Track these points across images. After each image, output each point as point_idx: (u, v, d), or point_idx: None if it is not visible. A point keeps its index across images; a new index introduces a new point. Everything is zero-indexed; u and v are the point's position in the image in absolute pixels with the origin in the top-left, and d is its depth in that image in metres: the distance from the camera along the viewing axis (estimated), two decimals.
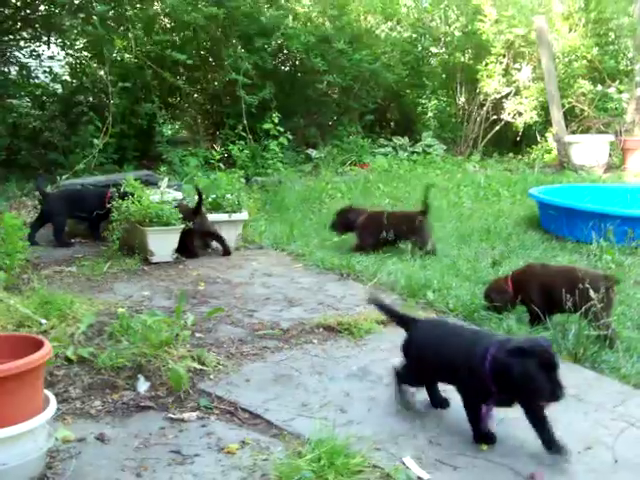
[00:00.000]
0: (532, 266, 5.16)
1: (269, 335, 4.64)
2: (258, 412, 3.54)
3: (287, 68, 14.38)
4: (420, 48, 16.15)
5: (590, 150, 13.03)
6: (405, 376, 3.60)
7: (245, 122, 11.76)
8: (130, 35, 11.48)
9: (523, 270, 5.07)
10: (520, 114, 14.74)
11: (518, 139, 15.53)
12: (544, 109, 14.55)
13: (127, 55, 11.88)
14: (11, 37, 11.67)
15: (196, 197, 7.12)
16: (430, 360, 3.46)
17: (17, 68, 11.85)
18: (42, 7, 11.41)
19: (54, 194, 7.80)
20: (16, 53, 11.87)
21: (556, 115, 13.47)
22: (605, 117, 14.56)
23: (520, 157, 14.62)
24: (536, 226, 7.89)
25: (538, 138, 14.99)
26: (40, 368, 2.95)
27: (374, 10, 14.98)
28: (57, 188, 8.49)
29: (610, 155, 13.41)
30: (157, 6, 12.38)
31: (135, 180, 7.15)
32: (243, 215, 7.44)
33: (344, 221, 7.21)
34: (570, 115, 14.72)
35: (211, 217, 7.20)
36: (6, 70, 11.75)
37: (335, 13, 13.84)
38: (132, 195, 6.81)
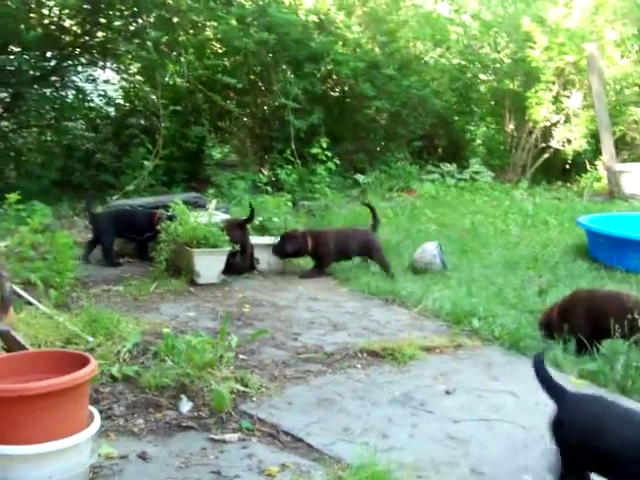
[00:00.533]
0: (578, 292, 5.10)
1: (312, 359, 4.65)
2: (299, 435, 3.54)
3: (336, 93, 14.44)
4: (469, 75, 16.11)
5: None
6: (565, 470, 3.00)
7: (293, 146, 11.83)
8: (182, 60, 11.68)
9: (570, 297, 5.00)
10: (570, 142, 14.59)
11: (567, 167, 15.37)
12: (594, 137, 14.39)
13: (179, 79, 12.08)
14: (70, 62, 11.96)
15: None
16: (583, 447, 2.90)
17: (74, 92, 12.13)
18: (100, 34, 11.68)
19: (102, 214, 7.92)
20: (74, 77, 12.15)
21: (607, 143, 13.29)
22: None
23: (569, 185, 14.47)
24: (584, 255, 7.78)
25: (588, 166, 14.81)
26: (86, 385, 3.00)
27: (424, 37, 15.02)
28: (108, 208, 8.64)
29: None
30: (209, 31, 12.58)
31: (184, 202, 7.24)
32: None
33: (287, 246, 7.22)
34: (621, 143, 14.55)
35: (257, 240, 7.27)
36: (64, 94, 12.03)
37: (385, 39, 13.92)
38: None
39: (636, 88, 14.83)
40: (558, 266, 7.32)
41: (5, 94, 11.52)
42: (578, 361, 4.50)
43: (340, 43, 13.21)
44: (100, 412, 3.28)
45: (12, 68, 10.55)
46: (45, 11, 11.05)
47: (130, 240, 7.76)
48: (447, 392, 4.11)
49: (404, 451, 3.40)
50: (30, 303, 5.23)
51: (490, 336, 5.11)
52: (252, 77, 13.39)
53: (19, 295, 5.18)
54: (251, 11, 12.08)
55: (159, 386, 3.94)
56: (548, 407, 3.83)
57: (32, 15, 10.85)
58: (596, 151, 14.54)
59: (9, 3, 9.92)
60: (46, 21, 11.17)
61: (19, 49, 10.45)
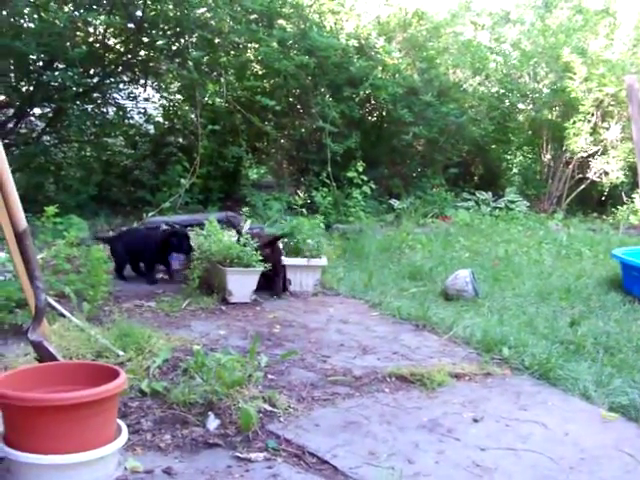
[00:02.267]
0: None
1: (341, 381, 4.64)
2: (325, 457, 3.53)
3: (374, 118, 14.52)
4: (507, 103, 16.10)
5: None
6: None
7: (329, 169, 11.89)
8: (222, 80, 11.81)
9: None
10: (607, 173, 14.50)
11: (603, 199, 15.27)
12: (632, 169, 14.26)
13: (218, 99, 12.22)
14: (112, 80, 12.18)
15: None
16: None
17: (115, 109, 12.32)
18: (142, 52, 11.89)
19: (114, 236, 7.95)
20: (115, 94, 12.36)
21: None
22: None
23: (605, 217, 14.37)
24: (618, 288, 7.68)
25: (624, 199, 14.70)
26: (115, 397, 3.03)
27: (463, 64, 15.06)
28: (142, 224, 8.75)
29: None
30: (250, 53, 12.72)
31: (219, 221, 7.29)
32: (322, 261, 7.46)
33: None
34: None
35: (290, 261, 7.28)
36: (105, 110, 12.24)
37: (424, 66, 13.98)
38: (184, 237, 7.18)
39: None
40: (591, 298, 7.25)
41: (48, 109, 11.75)
42: (609, 393, 4.44)
43: (379, 68, 13.28)
44: (128, 426, 3.31)
45: (56, 84, 10.76)
46: (90, 29, 11.27)
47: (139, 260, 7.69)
48: (475, 420, 4.07)
49: (430, 477, 3.37)
50: (63, 315, 5.30)
51: (520, 365, 5.06)
52: (291, 99, 13.51)
53: (53, 307, 5.24)
54: (292, 34, 12.21)
55: (187, 402, 3.94)
56: (577, 438, 3.80)
57: (78, 33, 11.07)
58: (633, 184, 14.42)
59: (57, 22, 10.14)
60: (91, 39, 11.41)
61: (63, 65, 10.65)
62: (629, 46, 14.84)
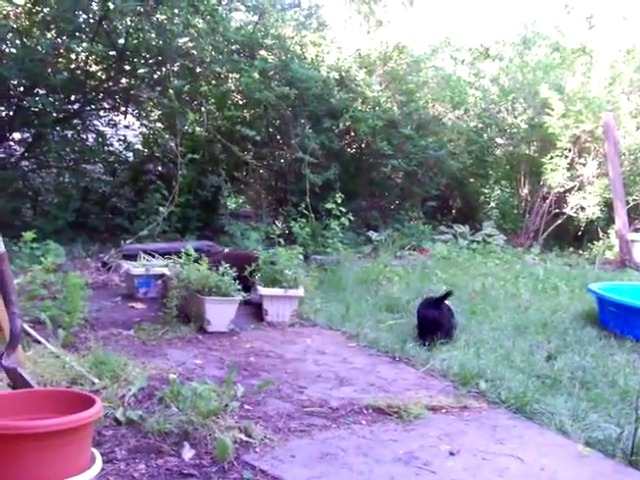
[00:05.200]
0: None
1: (317, 413, 4.62)
2: None
3: (353, 150, 14.61)
4: (486, 138, 16.27)
5: None
6: None
7: (308, 200, 11.91)
8: (203, 109, 11.86)
9: None
10: (583, 209, 14.64)
11: (580, 234, 15.40)
12: (607, 205, 14.44)
13: (198, 128, 12.23)
14: (93, 107, 12.18)
15: None
16: None
17: (94, 135, 12.31)
18: (124, 80, 11.90)
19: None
20: (95, 121, 12.35)
21: (620, 212, 13.32)
22: None
23: (581, 252, 14.47)
24: (594, 322, 7.73)
25: (600, 234, 14.83)
26: (90, 426, 2.99)
27: (442, 98, 15.21)
28: (120, 252, 8.73)
29: None
30: (231, 83, 12.78)
31: (196, 250, 7.28)
32: (300, 291, 7.45)
33: None
34: (634, 212, 14.59)
35: (267, 291, 7.28)
36: (84, 137, 12.22)
37: (404, 99, 14.11)
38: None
39: None
40: (567, 332, 7.27)
41: (28, 134, 11.72)
42: (585, 428, 4.45)
43: (359, 100, 13.40)
44: (102, 455, 3.26)
45: (36, 109, 10.74)
46: (72, 56, 11.28)
47: None
48: (451, 453, 4.06)
49: None
50: (38, 341, 5.25)
51: (497, 399, 5.06)
52: (271, 130, 13.58)
53: (28, 333, 5.20)
54: (274, 65, 12.29)
55: (162, 432, 3.91)
56: (553, 473, 3.80)
57: (60, 59, 11.07)
58: (609, 219, 14.58)
59: (39, 48, 10.15)
60: (73, 65, 11.39)
61: (44, 91, 10.65)
62: (605, 84, 15.05)
